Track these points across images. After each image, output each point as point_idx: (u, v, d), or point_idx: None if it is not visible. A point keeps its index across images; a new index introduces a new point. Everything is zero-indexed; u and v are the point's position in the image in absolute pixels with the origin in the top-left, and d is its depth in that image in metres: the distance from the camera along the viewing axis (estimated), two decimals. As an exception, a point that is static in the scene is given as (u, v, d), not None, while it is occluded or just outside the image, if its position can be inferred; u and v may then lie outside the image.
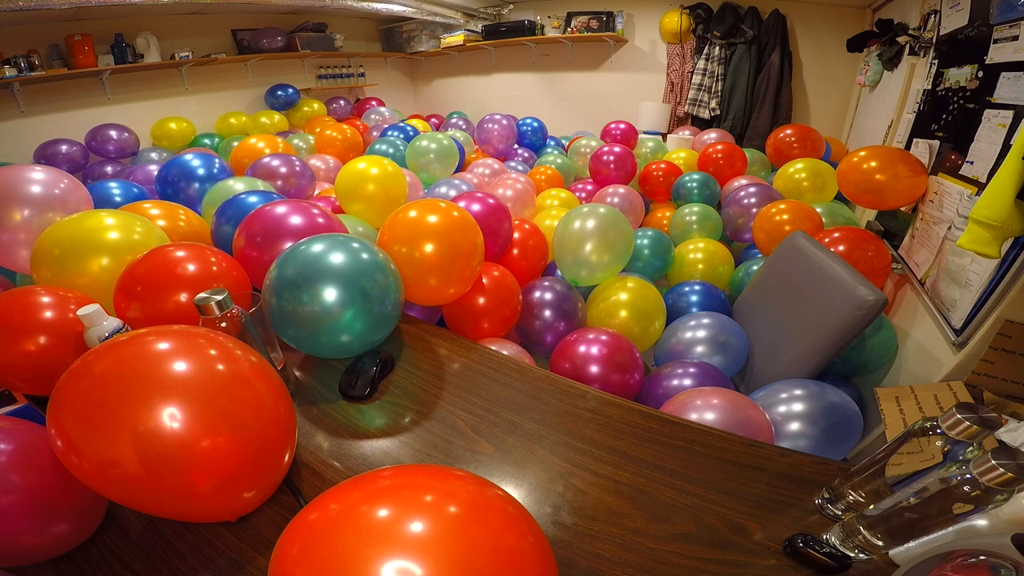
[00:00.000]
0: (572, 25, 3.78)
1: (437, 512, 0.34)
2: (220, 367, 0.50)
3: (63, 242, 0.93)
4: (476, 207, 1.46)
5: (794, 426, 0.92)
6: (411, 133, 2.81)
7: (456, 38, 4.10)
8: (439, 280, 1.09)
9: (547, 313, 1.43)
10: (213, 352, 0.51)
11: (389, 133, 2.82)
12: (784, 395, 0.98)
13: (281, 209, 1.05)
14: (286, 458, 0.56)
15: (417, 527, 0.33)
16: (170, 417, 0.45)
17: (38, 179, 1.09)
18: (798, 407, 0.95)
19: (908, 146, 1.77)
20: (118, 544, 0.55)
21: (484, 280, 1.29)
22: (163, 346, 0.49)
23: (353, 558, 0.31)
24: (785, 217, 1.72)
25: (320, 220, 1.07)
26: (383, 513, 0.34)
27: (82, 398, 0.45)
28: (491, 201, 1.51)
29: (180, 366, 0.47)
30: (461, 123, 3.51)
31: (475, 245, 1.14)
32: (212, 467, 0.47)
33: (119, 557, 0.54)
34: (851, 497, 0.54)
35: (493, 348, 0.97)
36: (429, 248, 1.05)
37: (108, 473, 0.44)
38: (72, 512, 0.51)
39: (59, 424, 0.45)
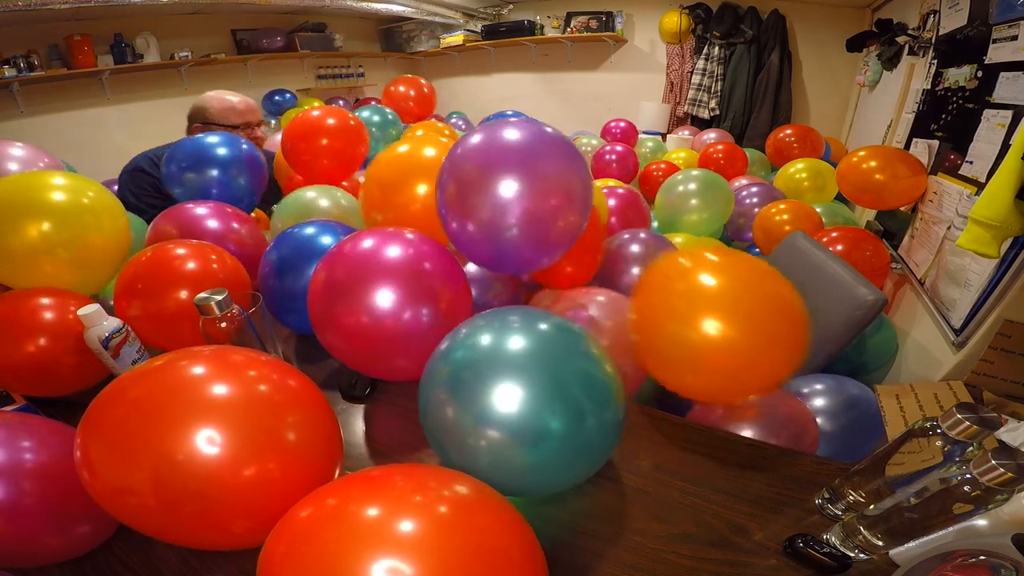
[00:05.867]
0: (572, 25, 3.78)
1: (425, 512, 0.34)
2: (263, 392, 0.45)
3: None
4: (611, 202, 1.21)
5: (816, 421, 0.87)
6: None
7: (456, 38, 4.10)
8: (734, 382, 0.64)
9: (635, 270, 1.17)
10: (252, 373, 0.46)
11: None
12: (805, 390, 0.95)
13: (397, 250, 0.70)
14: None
15: (406, 526, 0.32)
16: (207, 441, 0.40)
17: (17, 156, 1.05)
18: (818, 402, 0.92)
19: (907, 146, 1.77)
20: (119, 546, 0.55)
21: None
22: (206, 372, 0.44)
23: (339, 557, 0.31)
24: (785, 217, 1.72)
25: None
26: (371, 512, 0.34)
27: (114, 425, 0.41)
28: (621, 191, 1.31)
29: (220, 388, 0.43)
30: (461, 123, 3.51)
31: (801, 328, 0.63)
32: (256, 507, 0.43)
33: (122, 560, 0.54)
34: (851, 497, 0.54)
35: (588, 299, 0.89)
36: (715, 329, 0.59)
37: (125, 502, 0.41)
38: (94, 513, 0.51)
39: (86, 451, 0.41)
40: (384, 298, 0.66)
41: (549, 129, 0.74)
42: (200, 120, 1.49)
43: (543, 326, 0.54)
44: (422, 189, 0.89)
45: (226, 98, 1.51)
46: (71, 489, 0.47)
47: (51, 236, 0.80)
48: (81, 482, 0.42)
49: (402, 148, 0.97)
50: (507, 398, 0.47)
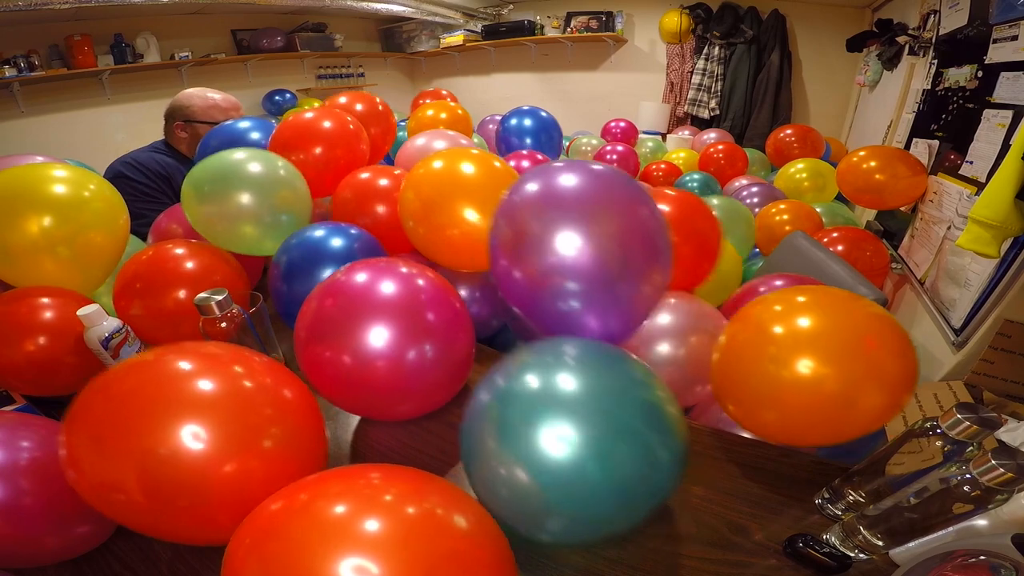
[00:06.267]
0: (572, 25, 3.78)
1: (394, 511, 0.34)
2: (247, 388, 0.46)
3: None
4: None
5: None
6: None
7: (456, 38, 4.10)
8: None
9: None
10: (242, 374, 0.46)
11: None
12: None
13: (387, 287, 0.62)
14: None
15: (372, 525, 0.32)
16: (192, 436, 0.41)
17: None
18: None
19: (908, 146, 1.77)
20: (118, 544, 0.55)
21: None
22: (190, 367, 0.44)
23: (303, 553, 0.31)
24: (785, 217, 1.72)
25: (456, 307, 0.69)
26: (339, 509, 0.33)
27: (97, 418, 0.42)
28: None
29: (205, 384, 0.43)
30: (461, 123, 3.51)
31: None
32: (238, 501, 0.43)
33: (119, 557, 0.54)
34: (851, 497, 0.54)
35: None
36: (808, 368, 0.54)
37: (111, 498, 0.41)
38: (95, 513, 0.50)
39: (72, 446, 0.41)
40: (378, 338, 0.59)
41: (603, 168, 0.63)
42: (181, 118, 1.45)
43: (596, 359, 0.49)
44: (468, 214, 0.84)
45: (208, 95, 1.48)
46: (70, 488, 0.47)
47: (52, 232, 0.78)
48: (67, 480, 0.42)
49: (437, 164, 0.88)
50: (560, 441, 0.42)
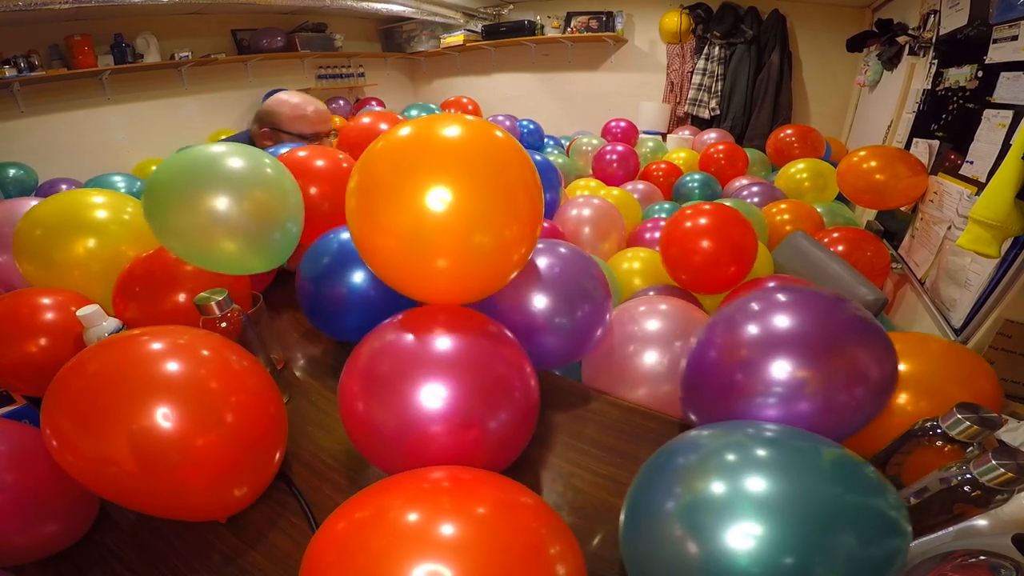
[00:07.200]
0: (572, 25, 3.78)
1: (466, 514, 0.35)
2: (211, 367, 0.51)
3: (45, 221, 0.87)
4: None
5: None
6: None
7: (456, 38, 4.10)
8: None
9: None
10: (205, 352, 0.52)
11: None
12: None
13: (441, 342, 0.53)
14: (276, 456, 0.57)
15: (448, 530, 0.33)
16: (163, 416, 0.46)
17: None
18: None
19: (908, 146, 1.77)
20: (117, 544, 0.55)
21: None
22: (155, 345, 0.50)
23: (386, 562, 0.31)
24: (786, 217, 1.72)
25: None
26: (413, 517, 0.34)
27: (76, 397, 0.46)
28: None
29: (172, 365, 0.48)
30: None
31: None
32: (203, 464, 0.48)
33: (119, 557, 0.54)
34: (851, 497, 0.54)
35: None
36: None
37: (103, 471, 0.45)
38: (61, 512, 0.51)
39: (54, 423, 0.45)
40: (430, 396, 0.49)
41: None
42: (269, 124, 1.33)
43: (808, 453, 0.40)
44: (434, 199, 0.49)
45: (299, 103, 1.33)
46: (35, 486, 0.48)
47: (93, 250, 0.87)
48: (63, 466, 0.45)
49: (404, 131, 0.54)
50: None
